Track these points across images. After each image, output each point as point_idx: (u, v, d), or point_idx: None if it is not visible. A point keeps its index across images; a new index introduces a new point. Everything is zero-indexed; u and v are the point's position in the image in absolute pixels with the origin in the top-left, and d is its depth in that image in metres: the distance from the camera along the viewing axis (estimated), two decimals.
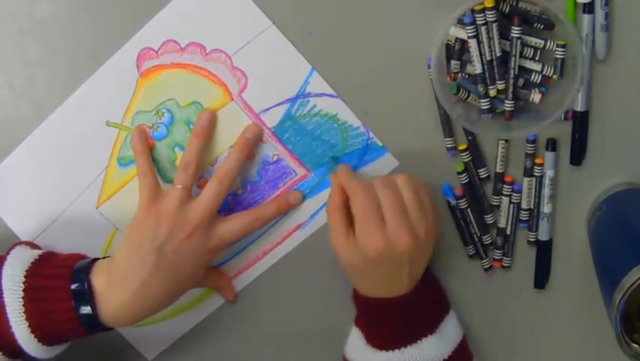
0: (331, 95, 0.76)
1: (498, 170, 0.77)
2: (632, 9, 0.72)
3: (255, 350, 0.83)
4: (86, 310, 0.70)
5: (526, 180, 0.77)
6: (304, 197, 0.79)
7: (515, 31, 0.70)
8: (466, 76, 0.73)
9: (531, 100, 0.73)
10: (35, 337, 0.70)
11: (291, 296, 0.82)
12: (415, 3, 0.73)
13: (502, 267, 0.81)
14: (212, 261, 0.77)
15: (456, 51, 0.73)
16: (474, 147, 0.77)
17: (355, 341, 0.77)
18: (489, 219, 0.79)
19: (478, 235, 0.80)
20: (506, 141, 0.76)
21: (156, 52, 0.76)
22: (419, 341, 0.73)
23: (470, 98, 0.74)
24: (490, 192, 0.79)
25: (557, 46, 0.71)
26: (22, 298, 0.70)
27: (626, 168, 0.77)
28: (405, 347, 0.73)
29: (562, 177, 0.78)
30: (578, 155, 0.76)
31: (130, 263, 0.72)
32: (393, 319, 0.74)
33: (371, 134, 0.78)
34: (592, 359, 0.83)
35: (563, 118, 0.75)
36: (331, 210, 0.74)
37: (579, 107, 0.75)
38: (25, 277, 0.70)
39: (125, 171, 0.78)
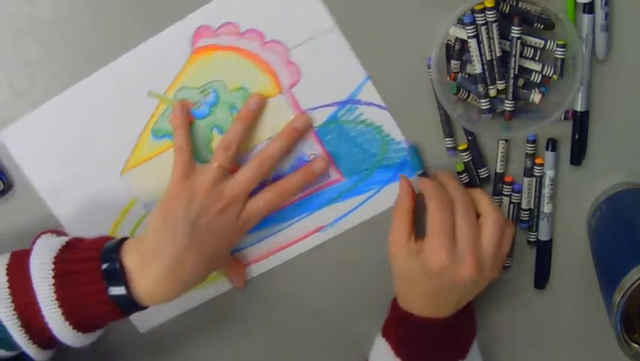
0: (380, 107, 0.76)
1: (498, 170, 0.77)
2: (631, 9, 0.72)
3: (246, 339, 0.84)
4: (118, 290, 0.69)
5: (526, 180, 0.77)
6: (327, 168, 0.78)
7: (515, 31, 0.70)
8: (466, 76, 0.73)
9: (531, 100, 0.73)
10: (70, 324, 0.69)
11: (298, 296, 0.82)
12: (415, 3, 0.73)
13: (503, 267, 0.80)
14: (239, 241, 0.76)
15: (456, 51, 0.73)
16: (474, 147, 0.77)
17: (382, 351, 0.76)
18: None
19: None
20: (506, 141, 0.76)
21: (214, 31, 0.74)
22: None
23: (470, 98, 0.74)
24: (490, 193, 0.78)
25: (557, 46, 0.71)
26: (53, 285, 0.68)
27: (626, 168, 0.77)
28: None
29: (562, 177, 0.78)
30: (578, 155, 0.77)
31: (162, 238, 0.70)
32: (430, 340, 0.74)
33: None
34: (592, 359, 0.83)
35: (563, 118, 0.75)
36: (400, 212, 0.74)
37: (579, 107, 0.75)
38: (54, 263, 0.69)
39: (157, 144, 0.77)
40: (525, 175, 0.77)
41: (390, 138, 0.77)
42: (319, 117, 0.77)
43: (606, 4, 0.71)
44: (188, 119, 0.76)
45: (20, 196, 0.79)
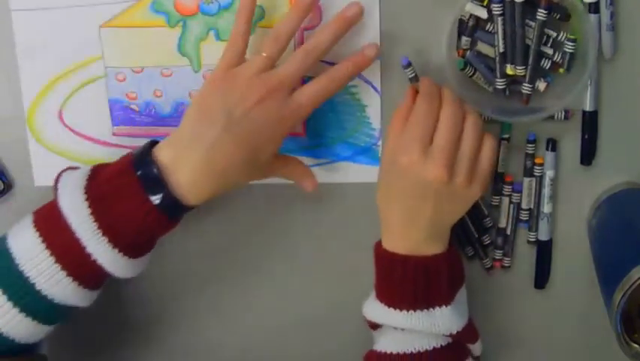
0: (375, 89, 0.76)
1: (499, 170, 0.77)
2: (637, 8, 0.73)
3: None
4: (159, 193, 0.66)
5: (526, 180, 0.77)
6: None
7: (541, 13, 0.69)
8: (476, 53, 0.73)
9: (536, 87, 0.72)
10: (120, 251, 0.67)
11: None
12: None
13: (503, 267, 0.81)
14: (287, 132, 0.70)
15: (469, 27, 0.72)
16: None
17: (371, 297, 0.74)
18: (487, 222, 0.79)
19: (477, 235, 0.79)
20: (508, 140, 0.76)
21: None
22: (432, 309, 0.70)
23: (475, 76, 0.73)
24: (490, 192, 0.78)
25: (568, 40, 0.70)
26: (91, 214, 0.65)
27: (627, 168, 0.77)
28: (414, 310, 0.70)
29: (562, 177, 0.78)
30: (588, 155, 0.76)
31: (197, 127, 0.67)
32: (404, 278, 0.70)
33: (379, 143, 0.77)
34: (592, 359, 0.83)
35: (563, 118, 0.75)
36: (397, 112, 0.71)
37: (588, 107, 0.75)
38: (85, 193, 0.66)
39: (151, 16, 0.75)
40: (525, 175, 0.77)
41: (367, 121, 0.77)
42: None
43: (611, 3, 0.71)
44: (254, 5, 0.71)
45: (20, 196, 0.78)
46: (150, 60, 0.76)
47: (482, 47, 0.72)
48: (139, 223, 0.66)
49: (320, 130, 0.77)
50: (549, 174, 0.77)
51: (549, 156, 0.76)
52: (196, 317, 0.83)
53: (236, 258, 0.82)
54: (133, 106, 0.77)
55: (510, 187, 0.78)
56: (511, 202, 0.78)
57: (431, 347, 0.71)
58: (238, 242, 0.81)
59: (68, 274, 0.67)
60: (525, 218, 0.79)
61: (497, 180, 0.78)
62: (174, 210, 0.67)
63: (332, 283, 0.82)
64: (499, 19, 0.70)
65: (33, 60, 0.76)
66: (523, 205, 0.78)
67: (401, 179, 0.69)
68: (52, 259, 0.66)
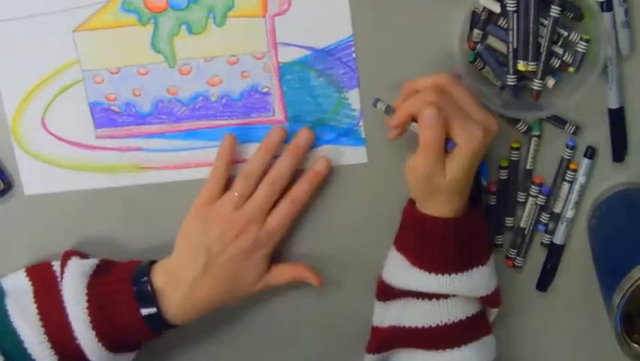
0: (351, 68, 0.75)
1: (528, 167, 0.76)
2: None
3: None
4: (150, 310, 0.74)
5: (565, 185, 0.76)
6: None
7: (554, 10, 0.69)
8: (486, 47, 0.72)
9: (544, 84, 0.71)
10: (103, 345, 0.73)
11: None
12: None
13: (514, 266, 0.80)
14: (268, 255, 0.77)
15: (481, 21, 0.71)
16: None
17: (397, 264, 0.75)
18: (509, 221, 0.78)
19: (491, 235, 0.79)
20: (539, 137, 0.76)
21: None
22: (470, 271, 0.72)
23: (484, 69, 0.73)
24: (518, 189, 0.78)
25: (581, 39, 0.69)
26: (87, 308, 0.73)
27: (627, 168, 0.76)
28: (456, 273, 0.71)
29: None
30: (620, 151, 0.76)
31: (183, 262, 0.75)
32: (445, 240, 0.71)
33: (360, 123, 0.76)
34: (592, 359, 0.82)
35: (572, 132, 0.74)
36: (440, 142, 0.68)
37: (612, 105, 0.74)
38: (87, 288, 0.74)
39: (122, 16, 0.75)
40: (558, 180, 0.76)
41: (346, 102, 0.76)
42: (289, 55, 0.75)
43: (624, 0, 0.70)
44: (234, 154, 0.77)
45: (20, 196, 0.80)
46: (125, 60, 0.76)
47: (493, 41, 0.72)
48: (125, 329, 0.74)
49: (300, 115, 0.77)
50: (580, 180, 0.76)
51: (585, 163, 0.76)
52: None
53: None
54: (113, 107, 0.77)
55: (538, 188, 0.77)
56: (536, 203, 0.77)
57: (465, 317, 0.73)
58: None
59: (52, 347, 0.73)
60: (545, 221, 0.78)
61: (526, 177, 0.77)
62: (160, 326, 0.75)
63: (326, 263, 0.80)
64: (514, 15, 0.69)
65: (11, 70, 0.77)
66: (556, 209, 0.77)
67: (474, 163, 0.69)
68: (42, 330, 0.73)
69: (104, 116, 0.78)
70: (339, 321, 0.82)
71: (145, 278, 0.74)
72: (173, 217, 0.77)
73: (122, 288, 0.74)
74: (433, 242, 0.71)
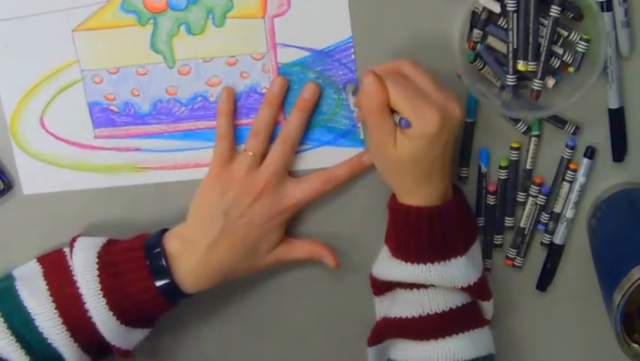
0: (351, 70, 0.75)
1: (528, 167, 0.76)
2: None
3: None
4: (162, 276, 0.72)
5: (565, 185, 0.76)
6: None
7: (554, 10, 0.68)
8: (486, 47, 0.72)
9: (544, 84, 0.71)
10: (114, 315, 0.72)
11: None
12: None
13: (514, 266, 0.80)
14: (285, 224, 0.76)
15: (481, 20, 0.71)
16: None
17: (383, 256, 0.75)
18: (509, 221, 0.78)
19: (491, 234, 0.79)
20: (539, 137, 0.75)
21: None
22: (447, 261, 0.71)
23: (484, 70, 0.73)
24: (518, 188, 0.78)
25: (581, 39, 0.69)
26: (98, 276, 0.71)
27: (627, 168, 0.76)
28: (432, 263, 0.71)
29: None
30: (619, 151, 0.75)
31: (199, 227, 0.74)
32: (418, 229, 0.70)
33: (359, 124, 0.76)
34: (592, 359, 0.82)
35: (572, 132, 0.74)
36: (377, 108, 0.68)
37: (612, 105, 0.74)
38: (97, 257, 0.72)
39: (121, 16, 0.75)
40: (558, 179, 0.76)
41: (346, 103, 0.76)
42: (288, 55, 0.75)
43: (624, 0, 0.70)
44: (234, 106, 0.75)
45: (20, 196, 0.80)
46: (125, 60, 0.76)
47: (493, 41, 0.72)
48: (137, 296, 0.72)
49: None
50: (580, 180, 0.76)
51: (585, 163, 0.75)
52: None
53: None
54: (112, 107, 0.77)
55: (538, 188, 0.77)
56: (536, 203, 0.77)
57: (447, 308, 0.72)
58: None
59: (63, 323, 0.72)
60: (545, 220, 0.78)
61: (526, 177, 0.77)
62: (173, 294, 0.73)
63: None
64: (514, 15, 0.69)
65: (10, 70, 0.77)
66: (556, 209, 0.77)
67: (433, 148, 0.68)
68: (53, 305, 0.72)
69: (103, 116, 0.78)
70: (344, 317, 0.82)
71: (157, 245, 0.73)
72: (172, 217, 0.77)
73: (134, 256, 0.73)
74: (407, 231, 0.71)
